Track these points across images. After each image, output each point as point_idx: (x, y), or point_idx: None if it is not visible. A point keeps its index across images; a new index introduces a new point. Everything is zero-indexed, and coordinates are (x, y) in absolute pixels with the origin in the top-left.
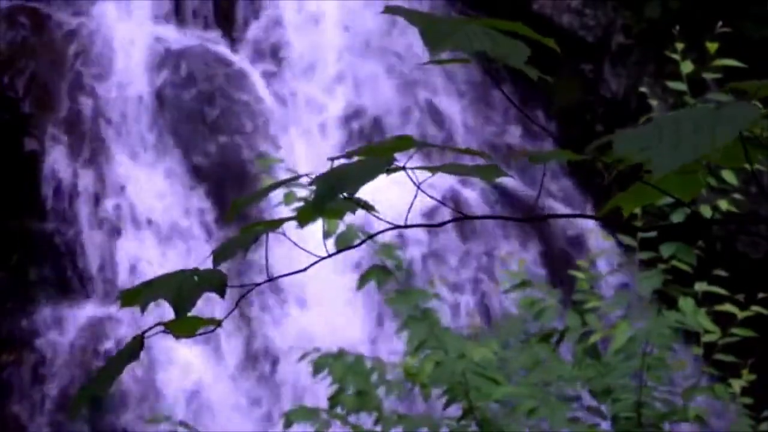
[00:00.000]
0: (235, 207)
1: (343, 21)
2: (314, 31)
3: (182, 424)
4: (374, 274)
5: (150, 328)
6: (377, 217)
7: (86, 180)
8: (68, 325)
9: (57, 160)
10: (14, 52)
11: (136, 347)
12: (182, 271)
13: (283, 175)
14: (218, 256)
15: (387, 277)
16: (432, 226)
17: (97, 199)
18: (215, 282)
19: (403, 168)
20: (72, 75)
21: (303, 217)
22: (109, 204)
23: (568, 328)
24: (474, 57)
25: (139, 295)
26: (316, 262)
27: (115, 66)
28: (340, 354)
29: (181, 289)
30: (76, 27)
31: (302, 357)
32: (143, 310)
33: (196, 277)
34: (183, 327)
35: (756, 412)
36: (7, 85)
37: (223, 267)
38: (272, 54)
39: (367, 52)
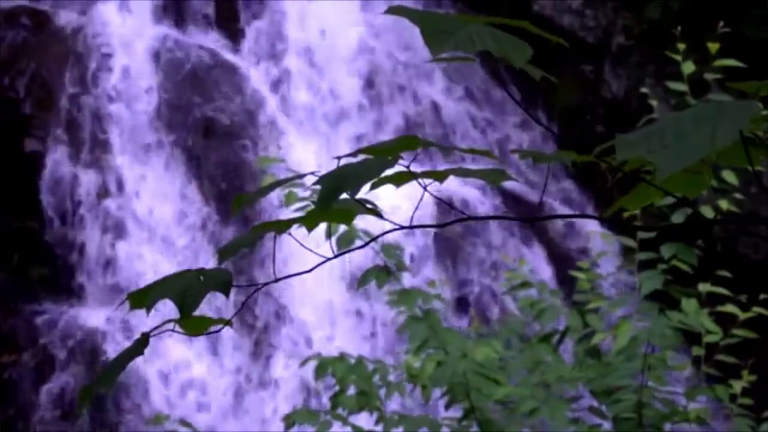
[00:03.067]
0: (237, 204)
1: (345, 21)
2: (316, 31)
3: (183, 423)
4: (374, 274)
5: (158, 327)
6: (382, 218)
7: (87, 180)
8: (69, 326)
9: (58, 160)
10: (15, 53)
11: (141, 345)
12: (188, 271)
13: (284, 176)
14: (223, 254)
15: (387, 277)
16: (435, 226)
17: (98, 200)
18: (220, 281)
19: (412, 174)
20: (73, 75)
21: (310, 222)
22: (109, 204)
23: (569, 328)
24: (476, 57)
25: (145, 297)
26: (321, 263)
27: (116, 67)
28: (342, 356)
29: (186, 289)
30: (77, 27)
31: (304, 361)
32: (149, 311)
33: (201, 277)
34: (191, 325)
35: (756, 413)
36: (8, 85)
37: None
38: (273, 54)
39: (369, 52)
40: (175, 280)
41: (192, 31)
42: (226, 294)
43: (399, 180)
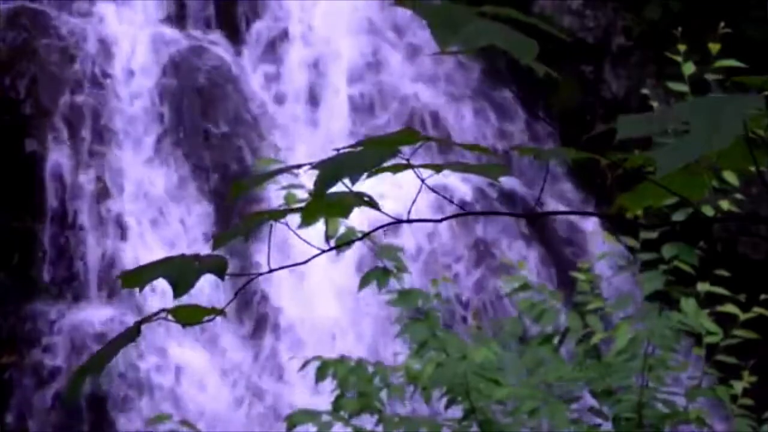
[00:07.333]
0: (236, 190)
1: (346, 21)
2: (316, 32)
3: (184, 423)
4: (375, 276)
5: (151, 316)
6: (380, 211)
7: (87, 181)
8: (69, 326)
9: (58, 160)
10: (15, 54)
11: (133, 333)
12: (183, 255)
13: (284, 177)
14: (219, 240)
15: (388, 279)
16: (433, 221)
17: (98, 200)
18: (215, 266)
19: (410, 166)
20: (73, 76)
21: (308, 215)
22: (110, 204)
23: (569, 329)
24: (480, 52)
25: (139, 277)
26: (316, 255)
27: (117, 67)
28: (342, 359)
29: (181, 270)
30: (78, 28)
31: (304, 365)
32: (141, 289)
33: (197, 262)
34: (186, 315)
35: (757, 413)
36: (9, 86)
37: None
38: (274, 55)
39: (371, 53)
40: (170, 262)
41: (192, 32)
42: (221, 277)
43: (396, 170)
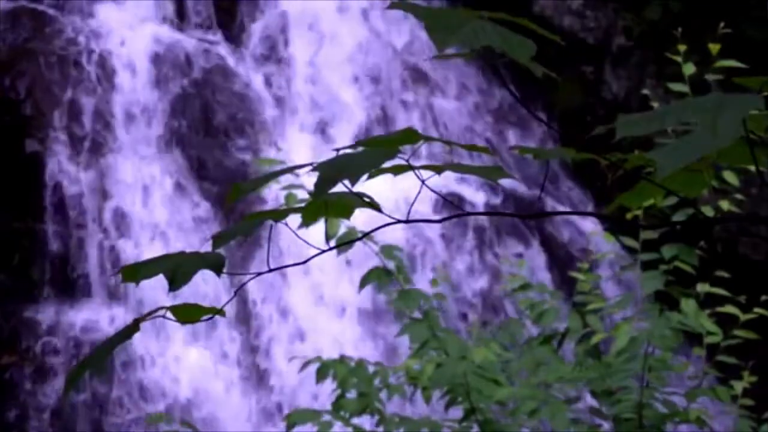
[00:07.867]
0: (236, 191)
1: (347, 21)
2: (317, 33)
3: (184, 423)
4: (375, 276)
5: (150, 313)
6: (380, 212)
7: (88, 181)
8: (70, 326)
9: (58, 161)
10: (16, 54)
11: (131, 330)
12: (182, 252)
13: (284, 177)
14: (218, 240)
15: (388, 279)
16: (433, 221)
17: (98, 201)
18: (213, 262)
19: (410, 167)
20: (73, 76)
21: (308, 215)
22: (110, 205)
23: (570, 329)
24: (479, 53)
25: (138, 271)
26: (316, 255)
27: (117, 68)
28: (342, 359)
29: (178, 264)
30: (78, 28)
31: (305, 365)
32: (138, 283)
33: (195, 258)
34: (185, 313)
35: (757, 413)
36: (9, 86)
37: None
38: (274, 55)
39: (370, 53)
40: (169, 258)
41: (192, 32)
42: (218, 273)
43: (397, 170)
